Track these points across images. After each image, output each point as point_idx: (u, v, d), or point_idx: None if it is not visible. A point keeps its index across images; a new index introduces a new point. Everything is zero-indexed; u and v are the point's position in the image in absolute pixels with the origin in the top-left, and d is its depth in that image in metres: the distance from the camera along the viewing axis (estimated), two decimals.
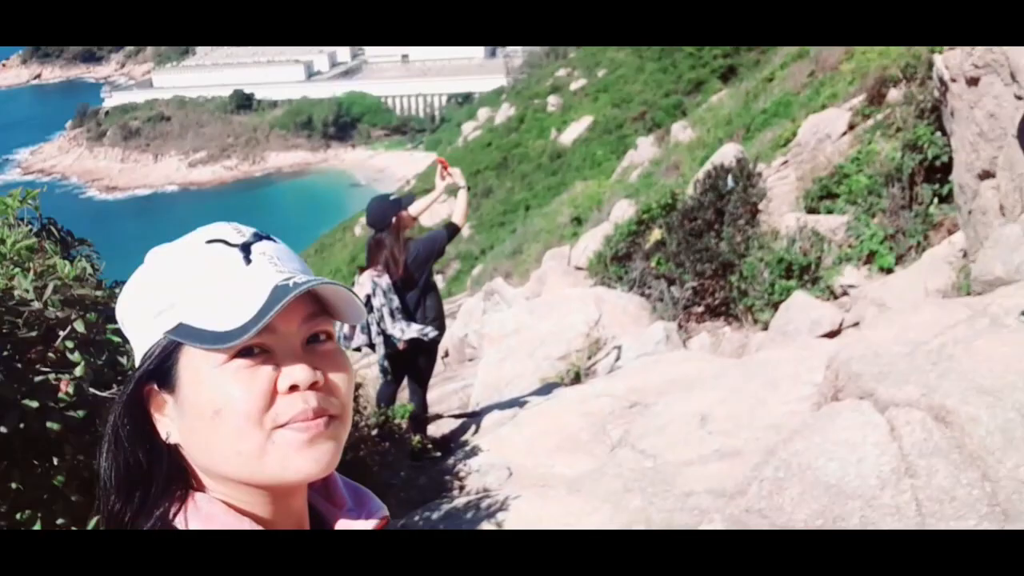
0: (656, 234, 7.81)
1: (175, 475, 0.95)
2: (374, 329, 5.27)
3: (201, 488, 0.95)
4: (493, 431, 5.78)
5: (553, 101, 49.63)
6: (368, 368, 6.56)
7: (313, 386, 0.91)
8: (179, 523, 0.93)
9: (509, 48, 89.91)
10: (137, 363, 0.96)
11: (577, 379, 6.57)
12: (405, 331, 5.25)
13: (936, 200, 7.33)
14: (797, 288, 6.31)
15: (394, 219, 5.35)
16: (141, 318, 0.95)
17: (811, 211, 9.66)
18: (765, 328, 6.47)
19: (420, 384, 5.65)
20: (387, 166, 72.96)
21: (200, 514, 0.93)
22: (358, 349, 5.44)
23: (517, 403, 6.31)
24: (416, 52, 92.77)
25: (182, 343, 0.91)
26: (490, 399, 7.28)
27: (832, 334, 5.50)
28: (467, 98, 72.63)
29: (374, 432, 4.99)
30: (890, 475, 2.67)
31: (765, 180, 8.76)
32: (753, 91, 21.94)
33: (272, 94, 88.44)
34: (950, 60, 6.64)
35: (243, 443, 0.90)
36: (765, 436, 4.02)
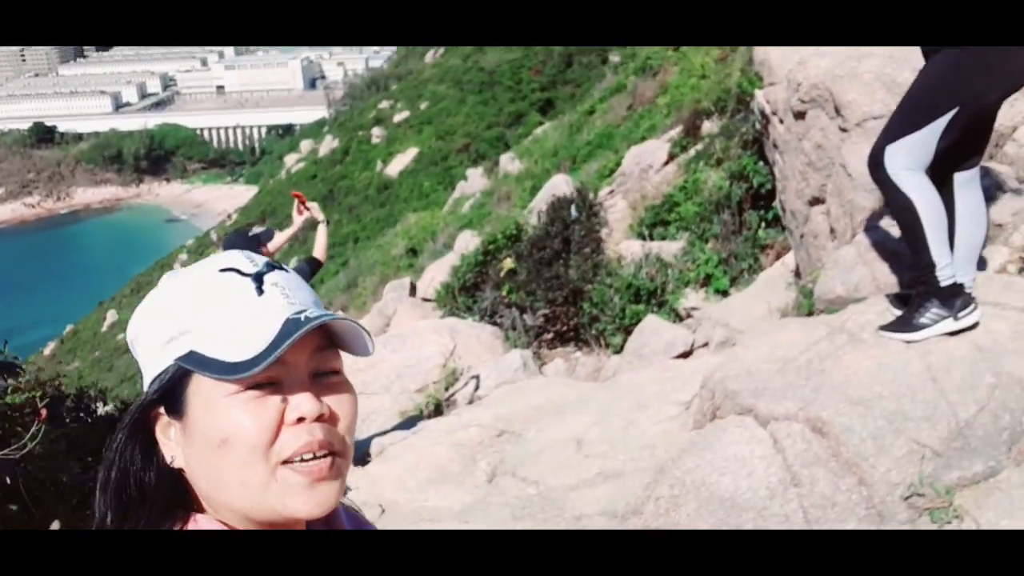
0: (508, 263, 7.95)
1: (177, 498, 0.96)
2: None
3: (202, 511, 0.96)
4: (359, 468, 5.69)
5: (377, 133, 49.51)
6: None
7: (319, 418, 0.92)
8: None
9: (329, 79, 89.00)
10: (145, 387, 0.97)
11: (438, 410, 6.57)
12: None
13: (763, 225, 7.86)
14: (646, 312, 6.59)
15: None
16: (152, 343, 0.96)
17: (645, 238, 10.14)
18: (617, 352, 6.71)
19: None
20: (205, 200, 70.40)
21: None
22: None
23: (380, 438, 6.24)
24: (232, 82, 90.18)
25: (192, 370, 0.92)
26: None
27: (686, 354, 5.78)
28: (287, 130, 71.23)
29: None
30: (777, 485, 2.84)
31: (605, 209, 9.10)
32: (576, 124, 22.78)
33: (77, 127, 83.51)
34: (770, 95, 7.17)
35: (248, 474, 0.91)
36: (641, 456, 4.17)
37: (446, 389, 7.01)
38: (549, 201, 8.61)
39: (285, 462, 0.91)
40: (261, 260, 0.98)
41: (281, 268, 0.99)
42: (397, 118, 50.13)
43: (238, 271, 0.95)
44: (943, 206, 3.12)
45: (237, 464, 0.91)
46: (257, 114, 79.67)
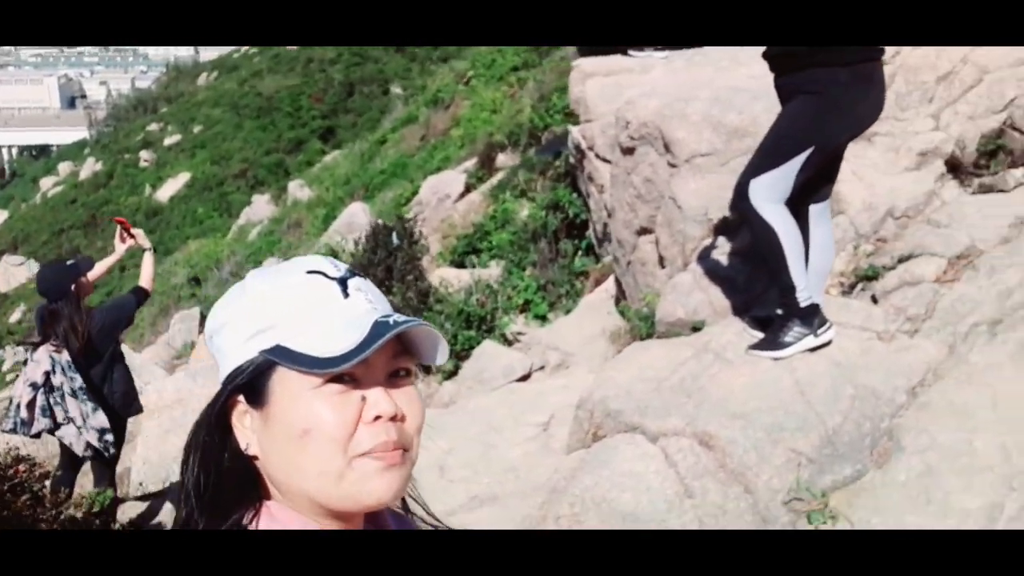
0: None
1: (248, 484, 1.02)
2: (58, 412, 4.67)
3: (270, 498, 1.02)
4: None
5: (146, 156, 46.83)
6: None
7: (393, 418, 0.98)
8: (253, 528, 0.99)
9: (91, 99, 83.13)
10: (224, 376, 1.02)
11: None
12: (85, 425, 4.73)
13: (578, 253, 8.21)
14: (478, 338, 6.69)
15: (73, 286, 4.84)
16: (236, 335, 1.00)
17: (458, 265, 10.28)
18: (448, 378, 6.75)
19: (108, 465, 5.09)
20: None
21: (275, 520, 1.00)
22: (37, 435, 4.77)
23: None
24: None
25: (277, 363, 0.97)
26: (158, 477, 6.73)
27: (524, 378, 5.92)
28: (43, 151, 65.76)
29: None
30: (674, 498, 2.99)
31: (424, 237, 9.15)
32: (368, 153, 22.69)
33: None
34: (587, 131, 7.55)
35: (326, 465, 0.96)
36: (507, 479, 4.24)
37: None
38: (369, 229, 8.54)
39: (361, 455, 0.96)
40: (343, 266, 1.03)
41: (361, 275, 1.05)
42: (168, 141, 47.67)
43: (324, 274, 1.01)
44: (801, 234, 3.45)
45: (317, 454, 0.96)
46: (8, 133, 72.87)
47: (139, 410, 5.31)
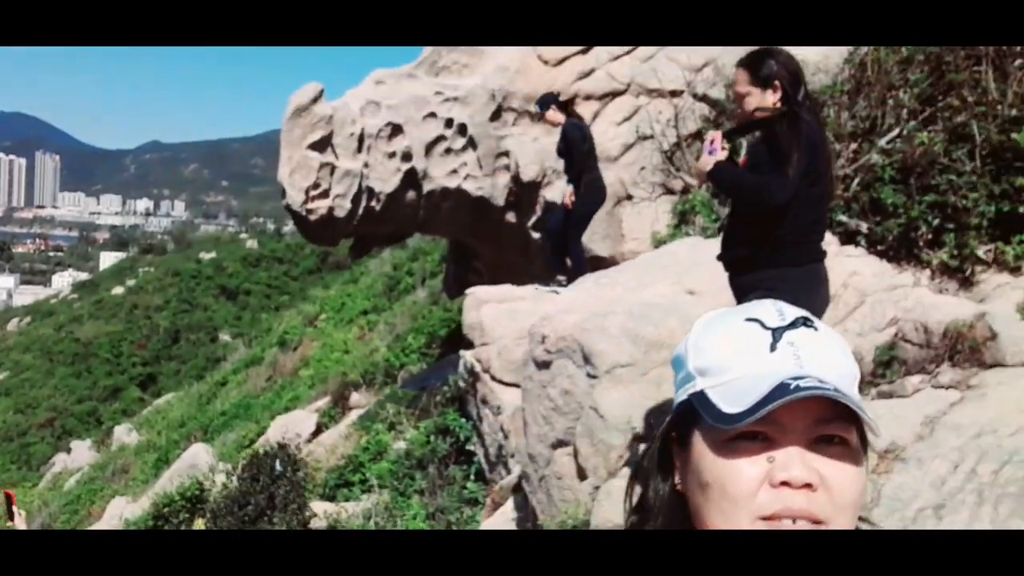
0: (200, 523, 7.25)
1: (683, 517, 1.00)
2: None
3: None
4: None
5: None
6: None
7: (807, 487, 0.90)
8: None
9: None
10: (673, 406, 1.04)
11: None
12: None
13: (469, 478, 8.09)
14: None
15: None
16: (679, 373, 1.03)
17: (329, 499, 9.84)
18: None
19: None
20: None
21: None
22: None
23: None
24: None
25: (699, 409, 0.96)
26: None
27: None
28: None
29: None
30: None
31: (307, 467, 8.77)
32: (207, 394, 21.87)
33: None
34: (482, 354, 7.73)
35: (724, 521, 0.93)
36: None
37: None
38: (249, 458, 8.13)
39: (764, 518, 0.91)
40: (792, 314, 0.97)
41: (809, 325, 0.97)
42: None
43: (761, 323, 0.97)
44: None
45: (716, 509, 0.94)
46: None
47: None
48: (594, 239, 9.21)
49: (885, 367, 5.22)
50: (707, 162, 3.65)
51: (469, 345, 8.02)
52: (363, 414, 12.80)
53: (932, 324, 5.03)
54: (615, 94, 8.63)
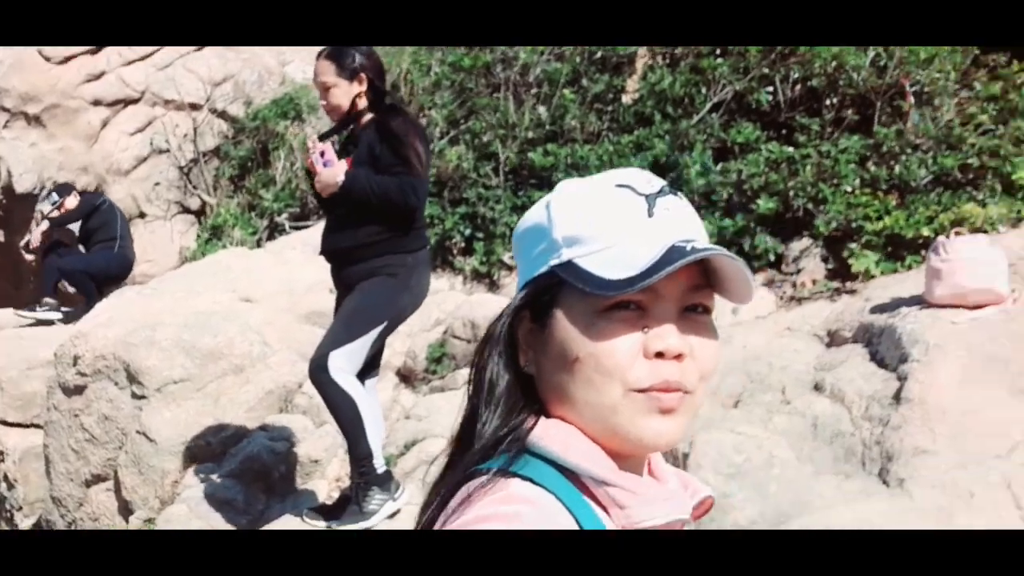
0: None
1: (527, 400, 0.94)
2: None
3: (548, 415, 0.94)
4: None
5: None
6: None
7: (679, 357, 0.89)
8: (534, 438, 0.91)
9: None
10: (518, 286, 0.97)
11: None
12: None
13: None
14: None
15: None
16: (535, 247, 0.95)
17: None
18: None
19: None
20: None
21: (554, 435, 0.91)
22: None
23: None
24: None
25: (566, 280, 0.90)
26: None
27: None
28: None
29: None
30: None
31: None
32: None
33: None
34: None
35: (597, 396, 0.89)
36: None
37: None
38: None
39: (637, 390, 0.88)
40: (659, 182, 0.94)
41: (676, 194, 0.95)
42: None
43: (633, 189, 0.93)
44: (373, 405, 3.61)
45: (589, 383, 0.89)
46: None
47: None
48: None
49: (436, 363, 5.52)
50: (335, 174, 3.49)
51: None
52: None
53: (479, 319, 5.44)
54: (128, 101, 7.94)
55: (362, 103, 3.56)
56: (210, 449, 4.97)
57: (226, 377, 5.10)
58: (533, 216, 0.96)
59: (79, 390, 5.22)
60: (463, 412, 0.98)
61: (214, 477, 4.80)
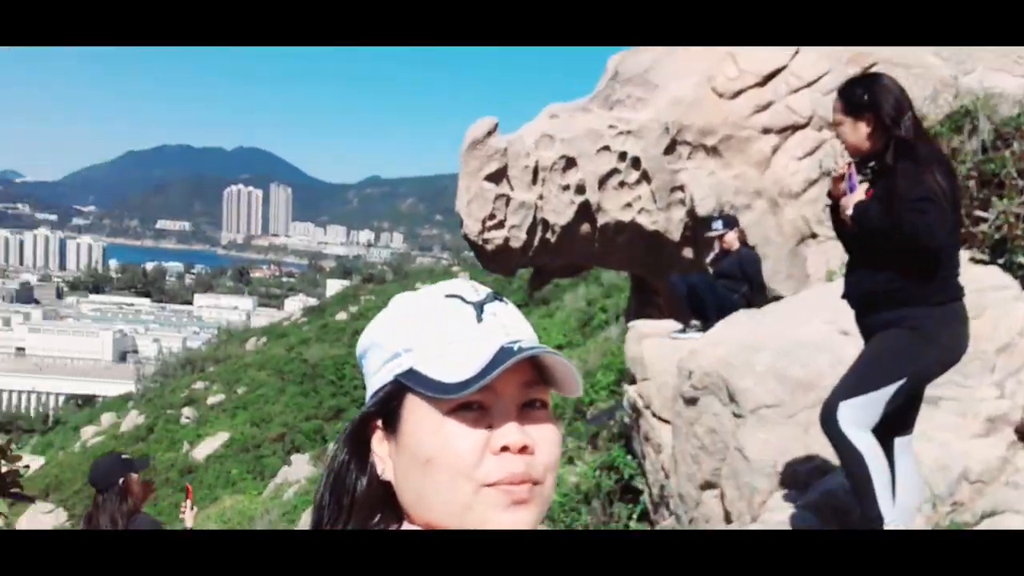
0: None
1: (386, 507, 1.00)
2: None
3: (410, 520, 0.99)
4: None
5: (188, 413, 47.43)
6: None
7: (523, 450, 0.94)
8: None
9: (142, 354, 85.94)
10: (367, 399, 1.02)
11: None
12: None
13: (632, 517, 7.98)
14: None
15: (121, 480, 4.65)
16: (378, 358, 1.01)
17: None
18: None
19: None
20: None
21: None
22: None
23: None
24: (34, 345, 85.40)
25: (410, 388, 0.96)
26: None
27: None
28: (88, 400, 67.02)
29: None
30: None
31: None
32: None
33: None
34: (643, 390, 7.63)
35: (450, 494, 0.94)
36: None
37: None
38: None
39: (488, 485, 0.94)
40: (485, 290, 1.02)
41: (501, 299, 1.03)
42: (211, 400, 48.44)
43: (461, 298, 1.00)
44: (889, 466, 3.39)
45: (441, 483, 0.94)
46: (55, 381, 74.75)
47: None
48: (777, 279, 8.89)
49: None
50: (849, 203, 3.45)
51: (632, 380, 7.95)
52: None
53: None
54: (795, 127, 8.33)
55: (877, 139, 3.36)
56: (797, 477, 5.09)
57: (816, 408, 5.13)
58: (372, 332, 1.04)
59: (693, 401, 5.82)
60: (311, 514, 1.06)
61: (796, 505, 4.92)
